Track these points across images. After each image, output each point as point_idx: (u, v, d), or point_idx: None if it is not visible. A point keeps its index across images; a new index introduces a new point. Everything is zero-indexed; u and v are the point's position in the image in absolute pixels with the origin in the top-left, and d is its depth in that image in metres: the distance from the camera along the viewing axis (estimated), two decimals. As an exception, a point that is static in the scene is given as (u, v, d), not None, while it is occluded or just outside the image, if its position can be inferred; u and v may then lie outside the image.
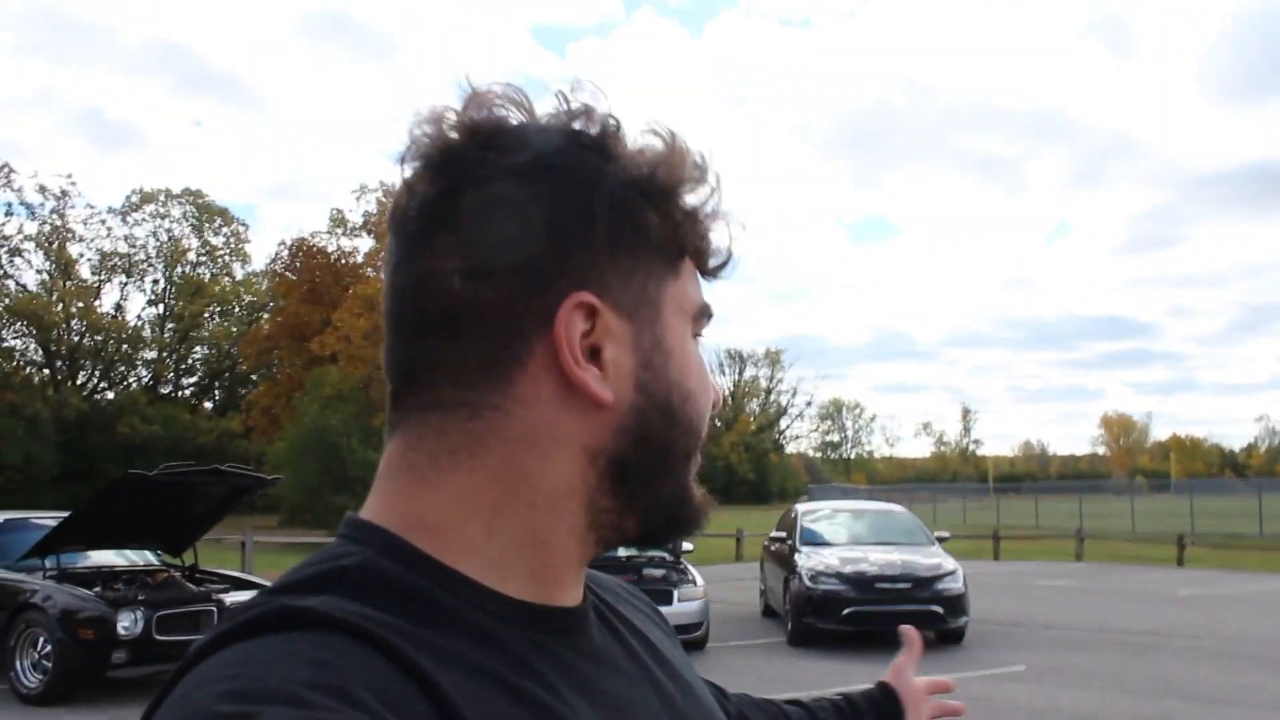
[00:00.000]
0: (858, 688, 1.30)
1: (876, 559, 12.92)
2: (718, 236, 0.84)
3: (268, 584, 0.74)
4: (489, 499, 0.74)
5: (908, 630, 1.36)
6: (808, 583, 12.62)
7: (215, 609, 9.77)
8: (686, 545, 13.32)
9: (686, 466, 0.81)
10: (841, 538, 14.19)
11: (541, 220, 0.74)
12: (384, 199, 42.42)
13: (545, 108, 0.79)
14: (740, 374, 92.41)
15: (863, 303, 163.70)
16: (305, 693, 0.56)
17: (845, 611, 12.26)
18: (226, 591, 10.28)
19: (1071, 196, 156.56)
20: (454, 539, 0.73)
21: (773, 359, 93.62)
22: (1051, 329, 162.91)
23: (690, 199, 0.81)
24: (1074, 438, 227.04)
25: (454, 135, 0.77)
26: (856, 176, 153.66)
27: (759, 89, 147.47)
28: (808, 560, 13.04)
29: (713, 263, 0.85)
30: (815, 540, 13.95)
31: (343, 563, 0.70)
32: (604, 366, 0.75)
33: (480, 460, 0.74)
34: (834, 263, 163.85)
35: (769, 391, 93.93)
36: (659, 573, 12.52)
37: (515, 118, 0.78)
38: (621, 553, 12.96)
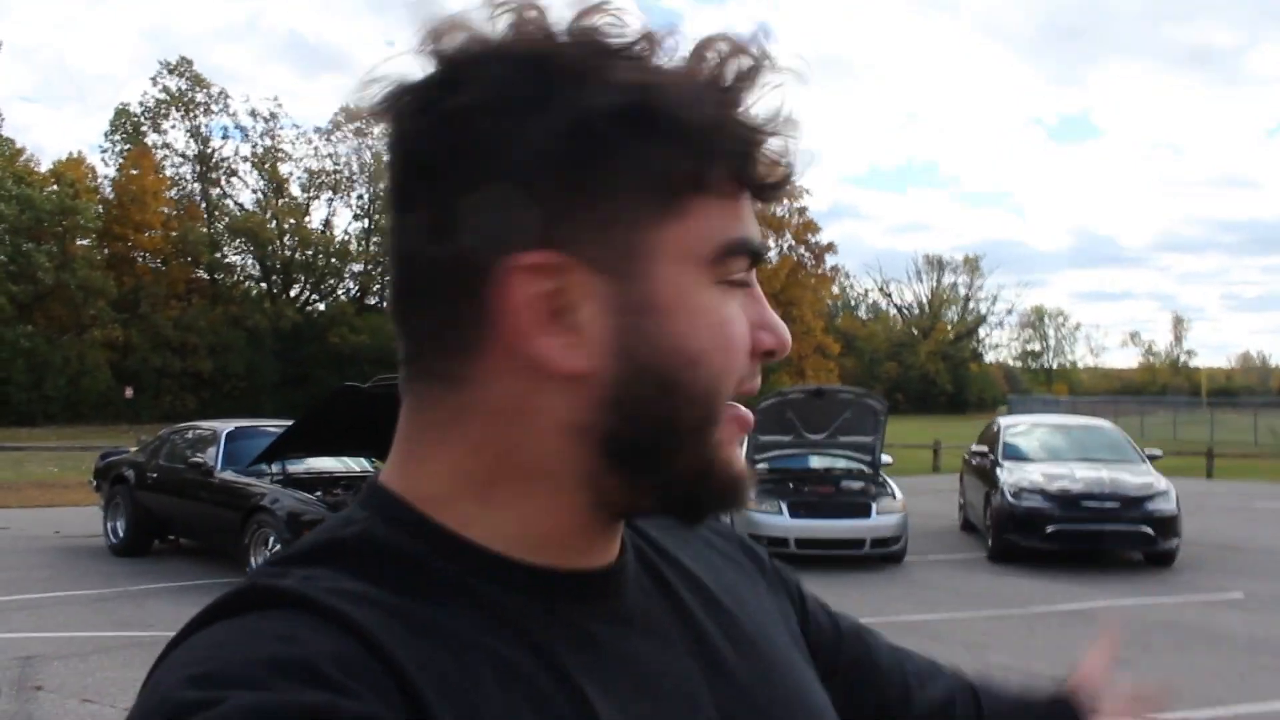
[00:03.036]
0: (1038, 688, 1.09)
1: (1082, 476, 12.49)
2: (768, 150, 0.70)
3: None
4: (479, 474, 0.70)
5: (1106, 629, 1.22)
6: (1010, 499, 12.32)
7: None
8: (886, 458, 13.19)
9: (703, 438, 0.70)
10: (1045, 453, 13.77)
11: (495, 167, 0.66)
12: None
13: (553, 18, 0.68)
14: (937, 280, 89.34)
15: (1065, 206, 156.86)
16: (267, 676, 0.56)
17: (1049, 529, 11.94)
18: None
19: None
20: (452, 510, 0.70)
21: (971, 265, 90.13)
22: (1273, 231, 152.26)
23: (712, 114, 0.67)
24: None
25: (409, 76, 0.69)
26: (1056, 74, 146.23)
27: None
28: (1010, 475, 12.74)
29: (765, 181, 0.71)
30: (1018, 455, 13.58)
31: (343, 533, 0.70)
32: (576, 331, 0.67)
33: (462, 434, 0.70)
34: (1033, 165, 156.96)
35: (967, 299, 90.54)
36: (857, 485, 12.43)
37: (484, 42, 0.68)
38: (816, 464, 12.94)
